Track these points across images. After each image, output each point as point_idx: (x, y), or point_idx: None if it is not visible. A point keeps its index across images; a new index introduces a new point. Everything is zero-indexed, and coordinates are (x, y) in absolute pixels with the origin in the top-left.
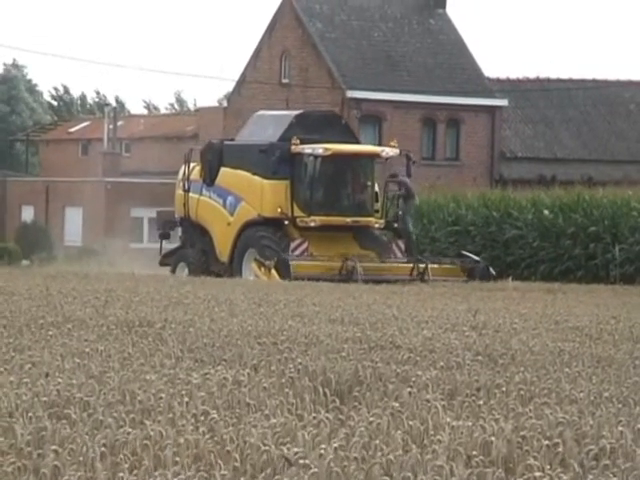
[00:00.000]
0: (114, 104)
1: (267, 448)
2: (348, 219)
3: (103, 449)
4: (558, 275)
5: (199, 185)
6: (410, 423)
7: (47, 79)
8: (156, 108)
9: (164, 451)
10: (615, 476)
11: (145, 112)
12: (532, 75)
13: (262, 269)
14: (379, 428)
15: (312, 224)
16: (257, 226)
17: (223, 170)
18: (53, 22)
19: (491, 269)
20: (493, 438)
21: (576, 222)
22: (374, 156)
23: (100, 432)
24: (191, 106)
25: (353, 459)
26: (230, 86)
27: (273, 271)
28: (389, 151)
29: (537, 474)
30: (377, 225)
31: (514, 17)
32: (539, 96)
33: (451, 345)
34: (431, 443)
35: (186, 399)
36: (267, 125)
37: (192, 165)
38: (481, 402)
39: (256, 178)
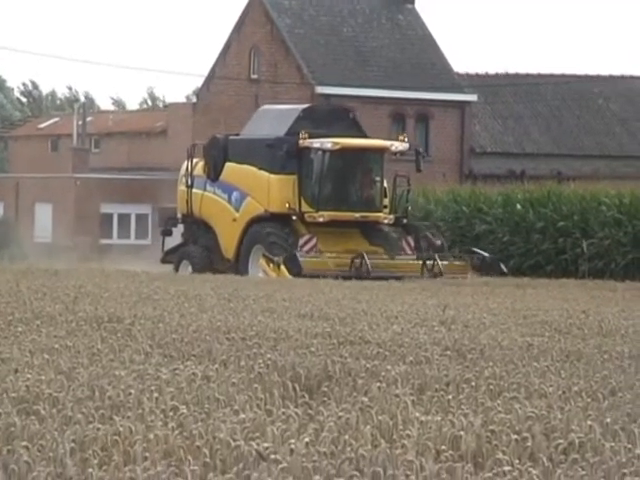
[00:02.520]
0: (83, 100)
1: (236, 443)
2: (357, 214)
3: (72, 445)
4: (528, 270)
5: (203, 181)
6: (379, 418)
7: (16, 75)
8: (124, 104)
9: (134, 447)
10: (584, 470)
11: (114, 107)
12: (501, 70)
13: (271, 265)
14: (348, 423)
15: (320, 220)
16: (264, 222)
17: (228, 165)
18: (23, 18)
19: (502, 265)
20: (462, 433)
21: (546, 217)
22: (383, 150)
23: (69, 428)
24: (160, 102)
25: (323, 454)
26: (199, 82)
27: (283, 267)
28: (398, 145)
29: (506, 468)
30: (386, 221)
31: (483, 12)
32: (508, 91)
33: (420, 340)
34: (400, 438)
35: (155, 395)
36: (273, 119)
37: (195, 161)
38: (450, 397)
39: (263, 173)
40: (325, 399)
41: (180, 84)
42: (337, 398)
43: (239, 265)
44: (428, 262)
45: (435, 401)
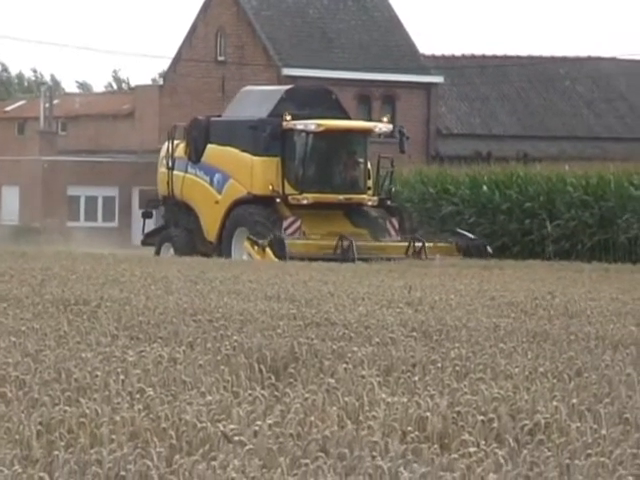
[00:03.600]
0: (50, 83)
1: (203, 425)
2: (341, 196)
3: (39, 427)
4: (494, 251)
5: (184, 163)
6: (345, 399)
7: None
8: (90, 87)
9: (100, 429)
10: (550, 451)
11: (79, 91)
12: (467, 52)
13: (255, 248)
14: (314, 404)
15: (304, 202)
16: (247, 204)
17: (210, 147)
18: None
19: (488, 247)
20: (428, 414)
21: (511, 198)
22: (367, 132)
23: (36, 410)
24: (126, 84)
25: (289, 435)
26: (166, 64)
27: (268, 250)
28: (382, 127)
29: (472, 449)
30: (370, 203)
31: None
32: (474, 73)
33: (386, 321)
34: (366, 419)
35: (122, 377)
36: (256, 101)
37: (176, 142)
38: (416, 378)
39: (245, 155)
40: (291, 381)
41: (146, 66)
42: (303, 380)
43: (222, 248)
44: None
45: (401, 382)
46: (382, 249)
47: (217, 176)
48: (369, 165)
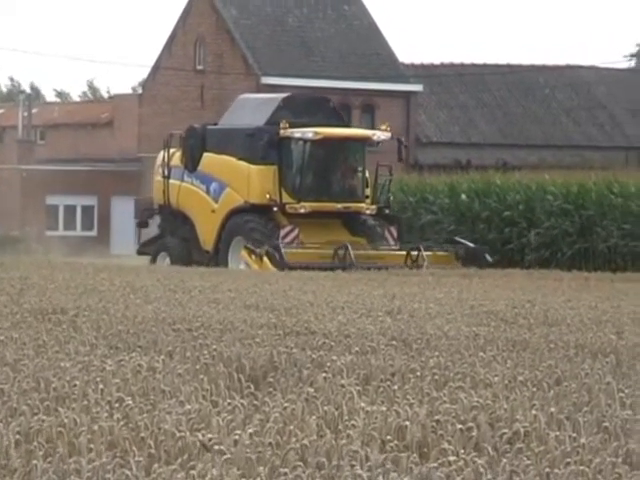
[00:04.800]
0: (29, 91)
1: (182, 434)
2: (339, 205)
3: (17, 437)
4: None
5: (180, 171)
6: (325, 408)
7: None
8: (68, 96)
9: (78, 438)
10: (529, 459)
11: (57, 100)
12: (447, 60)
13: (253, 257)
14: (293, 413)
15: (302, 210)
16: (244, 213)
17: (206, 155)
18: None
19: (487, 255)
20: (407, 423)
21: (491, 207)
22: (365, 140)
23: (14, 420)
24: (104, 93)
25: (268, 444)
26: (145, 73)
27: (265, 259)
28: (380, 135)
29: (451, 458)
30: (368, 211)
31: (428, 3)
32: (454, 81)
33: (366, 330)
34: (345, 428)
35: (100, 386)
36: (252, 109)
37: (172, 151)
38: (396, 387)
39: (242, 163)
40: (271, 390)
41: (126, 75)
42: (283, 389)
43: (219, 257)
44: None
45: (381, 391)
46: (380, 257)
47: (213, 185)
48: (367, 173)
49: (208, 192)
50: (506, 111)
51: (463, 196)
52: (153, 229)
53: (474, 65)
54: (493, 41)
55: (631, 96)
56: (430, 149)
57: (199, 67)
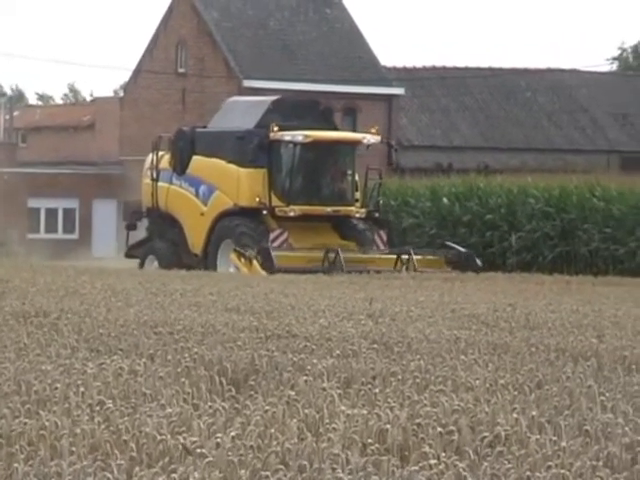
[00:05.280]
0: (11, 94)
1: (163, 437)
2: (328, 208)
3: None
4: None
5: (169, 174)
6: (306, 411)
7: None
8: (50, 98)
9: (60, 441)
10: (510, 463)
11: (39, 103)
12: (428, 64)
13: (242, 260)
14: (275, 417)
15: (291, 214)
16: (233, 216)
17: (195, 158)
18: None
19: (478, 260)
20: (388, 426)
21: (472, 210)
22: (355, 143)
23: None
24: (87, 96)
25: (249, 448)
26: (127, 76)
27: (255, 262)
28: (370, 138)
29: (432, 461)
30: (358, 215)
31: (410, 6)
32: (435, 84)
33: (347, 333)
34: (326, 431)
35: (82, 389)
36: (242, 111)
37: (160, 153)
38: (377, 390)
39: (232, 166)
40: (252, 393)
41: (108, 78)
42: (264, 392)
43: (207, 260)
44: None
45: (362, 394)
46: (370, 261)
47: (203, 188)
48: (357, 177)
49: (197, 195)
50: (488, 114)
51: (444, 199)
52: (141, 232)
53: (456, 68)
54: (475, 44)
55: (613, 99)
56: (412, 152)
57: (181, 70)
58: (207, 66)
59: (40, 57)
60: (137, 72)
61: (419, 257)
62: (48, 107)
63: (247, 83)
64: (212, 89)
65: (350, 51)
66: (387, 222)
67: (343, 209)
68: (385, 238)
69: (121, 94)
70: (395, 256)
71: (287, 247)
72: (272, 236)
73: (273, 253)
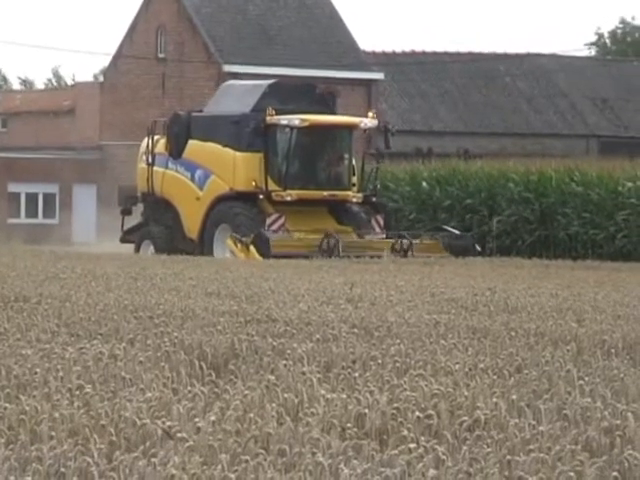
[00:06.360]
0: None
1: (143, 422)
2: (325, 193)
3: None
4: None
5: (164, 158)
6: (285, 396)
7: None
8: (32, 84)
9: (40, 426)
10: (489, 447)
11: (22, 88)
12: (408, 48)
13: (239, 246)
14: (254, 401)
15: (288, 198)
16: (229, 201)
17: (191, 143)
18: None
19: (476, 245)
20: (367, 410)
21: (452, 195)
22: (352, 127)
23: None
24: (69, 81)
25: (228, 432)
26: (107, 61)
27: (252, 248)
28: (368, 122)
29: (411, 445)
30: (355, 199)
31: None
32: (415, 69)
33: (327, 318)
34: (305, 415)
35: (61, 374)
36: (238, 95)
37: (156, 138)
38: (356, 374)
39: (228, 151)
40: (232, 377)
41: (91, 63)
42: (244, 376)
43: (204, 245)
44: (401, 241)
45: (341, 379)
46: (367, 246)
47: (198, 172)
48: (354, 161)
49: (193, 180)
50: (467, 99)
51: (424, 184)
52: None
53: (435, 53)
54: (454, 29)
55: (592, 84)
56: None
57: (160, 55)
58: (187, 51)
59: (23, 42)
60: (117, 57)
61: (416, 241)
62: (29, 92)
63: (227, 68)
64: (192, 74)
65: (329, 36)
66: (384, 206)
67: (340, 193)
68: (382, 222)
69: (101, 79)
70: (393, 240)
71: (284, 232)
72: (269, 221)
73: (270, 239)
